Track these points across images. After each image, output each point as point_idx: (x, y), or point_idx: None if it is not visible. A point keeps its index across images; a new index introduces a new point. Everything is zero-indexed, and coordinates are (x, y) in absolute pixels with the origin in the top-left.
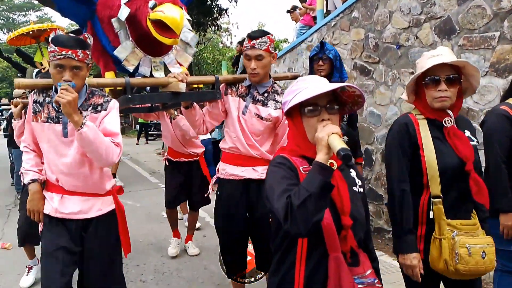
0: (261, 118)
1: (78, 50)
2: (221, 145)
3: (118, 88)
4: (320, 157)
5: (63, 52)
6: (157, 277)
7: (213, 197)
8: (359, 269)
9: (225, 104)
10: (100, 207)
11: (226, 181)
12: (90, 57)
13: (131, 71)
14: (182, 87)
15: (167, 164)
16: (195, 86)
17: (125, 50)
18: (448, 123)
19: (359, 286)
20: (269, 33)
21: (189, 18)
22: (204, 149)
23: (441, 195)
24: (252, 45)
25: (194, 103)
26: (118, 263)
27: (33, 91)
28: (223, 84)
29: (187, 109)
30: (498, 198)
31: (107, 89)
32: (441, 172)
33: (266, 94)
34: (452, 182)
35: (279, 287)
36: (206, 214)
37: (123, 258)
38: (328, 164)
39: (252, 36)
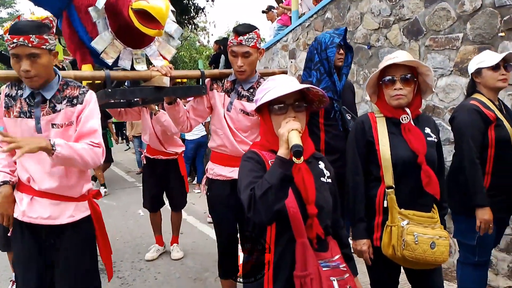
0: (247, 113)
1: (32, 35)
2: (210, 144)
3: (96, 82)
4: (281, 151)
5: (15, 40)
6: (134, 273)
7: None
8: (326, 254)
9: (211, 100)
10: (72, 213)
11: (214, 181)
12: (50, 41)
13: (110, 64)
14: (166, 81)
15: (144, 162)
16: (179, 80)
17: (104, 42)
18: (405, 119)
19: (324, 269)
20: (256, 28)
21: (173, 9)
22: (184, 149)
23: (394, 186)
24: (239, 41)
25: (178, 98)
26: (93, 272)
27: (5, 85)
28: (208, 79)
29: (170, 105)
30: (474, 194)
31: (84, 83)
32: (394, 164)
33: (251, 90)
34: (405, 174)
35: (252, 272)
36: (183, 211)
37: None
38: (294, 159)
39: (239, 31)
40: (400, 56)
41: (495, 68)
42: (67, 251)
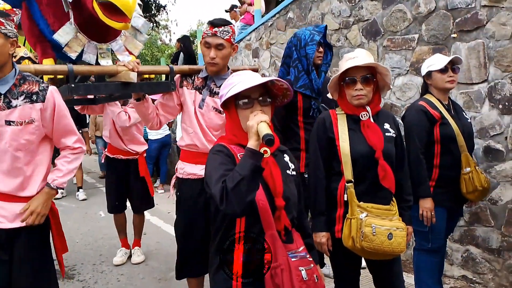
0: (220, 111)
1: None
2: (179, 142)
3: (58, 76)
4: (251, 143)
5: None
6: (95, 276)
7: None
8: (292, 246)
9: (181, 97)
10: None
11: (185, 181)
12: (6, 26)
13: (73, 58)
14: (133, 77)
15: (103, 161)
16: (146, 76)
17: (67, 34)
18: (364, 116)
19: (292, 259)
20: (231, 23)
21: (140, 2)
22: (146, 148)
23: (353, 180)
24: (214, 32)
25: (146, 95)
26: (52, 274)
27: None
28: (177, 75)
29: (139, 102)
30: (418, 185)
31: (45, 78)
32: (354, 159)
33: None
34: (364, 168)
35: (221, 266)
36: (146, 211)
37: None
38: (262, 151)
39: (215, 23)
40: (360, 56)
41: (443, 70)
42: (25, 250)
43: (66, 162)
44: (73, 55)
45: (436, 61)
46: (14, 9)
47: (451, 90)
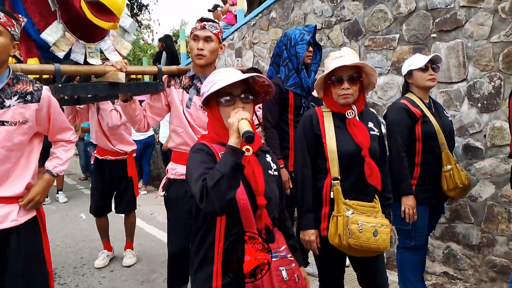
0: None
1: (1, 13)
2: (169, 144)
3: (44, 76)
4: (232, 140)
5: None
6: (76, 279)
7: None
8: (274, 245)
9: (168, 97)
10: (15, 217)
11: (175, 181)
12: (15, 29)
13: (61, 57)
14: (121, 77)
15: (92, 163)
16: (134, 77)
17: (55, 34)
18: (350, 115)
19: (273, 259)
20: (218, 23)
21: (128, 2)
22: (135, 147)
23: (339, 178)
24: (202, 25)
25: (133, 96)
26: (44, 277)
27: None
28: (165, 75)
29: (126, 103)
30: (400, 183)
31: (31, 78)
32: (340, 156)
33: None
34: (350, 166)
35: (200, 267)
36: None
37: None
38: (244, 150)
39: (204, 19)
40: (347, 55)
41: (424, 69)
42: (18, 254)
43: (64, 151)
44: (61, 54)
45: (416, 60)
46: (20, 16)
47: (432, 89)
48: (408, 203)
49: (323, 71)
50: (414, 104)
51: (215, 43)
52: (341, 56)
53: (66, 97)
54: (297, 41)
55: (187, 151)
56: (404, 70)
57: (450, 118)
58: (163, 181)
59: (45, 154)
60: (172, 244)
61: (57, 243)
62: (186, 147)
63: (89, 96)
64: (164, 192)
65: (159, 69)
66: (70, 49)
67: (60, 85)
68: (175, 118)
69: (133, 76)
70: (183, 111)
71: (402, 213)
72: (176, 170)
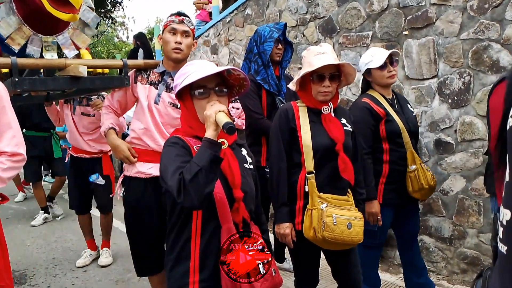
0: (177, 106)
1: None
2: (127, 139)
3: (3, 71)
4: (209, 133)
5: None
6: (48, 280)
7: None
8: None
9: (134, 92)
10: None
11: (132, 179)
12: None
13: (16, 51)
14: (83, 71)
15: (66, 160)
16: (100, 71)
17: (9, 26)
18: (326, 110)
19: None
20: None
21: None
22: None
23: (314, 171)
24: (181, 19)
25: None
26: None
27: None
28: (132, 70)
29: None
30: (363, 188)
31: None
32: (315, 150)
33: None
34: (324, 160)
35: (176, 264)
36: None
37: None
38: (220, 142)
39: (181, 13)
40: (328, 51)
41: (382, 67)
42: None
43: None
44: (16, 48)
45: (373, 58)
46: None
47: (404, 85)
48: (371, 210)
49: (299, 68)
50: (377, 102)
51: (191, 38)
52: (323, 53)
53: (32, 94)
54: (266, 39)
55: (142, 147)
56: (362, 69)
57: (414, 113)
58: (120, 179)
59: (46, 162)
60: (132, 240)
61: (28, 243)
62: (142, 144)
63: (57, 92)
64: (123, 191)
65: (124, 63)
66: (26, 42)
67: (17, 79)
68: (140, 114)
69: (100, 71)
70: (150, 108)
71: (366, 218)
72: (130, 167)
